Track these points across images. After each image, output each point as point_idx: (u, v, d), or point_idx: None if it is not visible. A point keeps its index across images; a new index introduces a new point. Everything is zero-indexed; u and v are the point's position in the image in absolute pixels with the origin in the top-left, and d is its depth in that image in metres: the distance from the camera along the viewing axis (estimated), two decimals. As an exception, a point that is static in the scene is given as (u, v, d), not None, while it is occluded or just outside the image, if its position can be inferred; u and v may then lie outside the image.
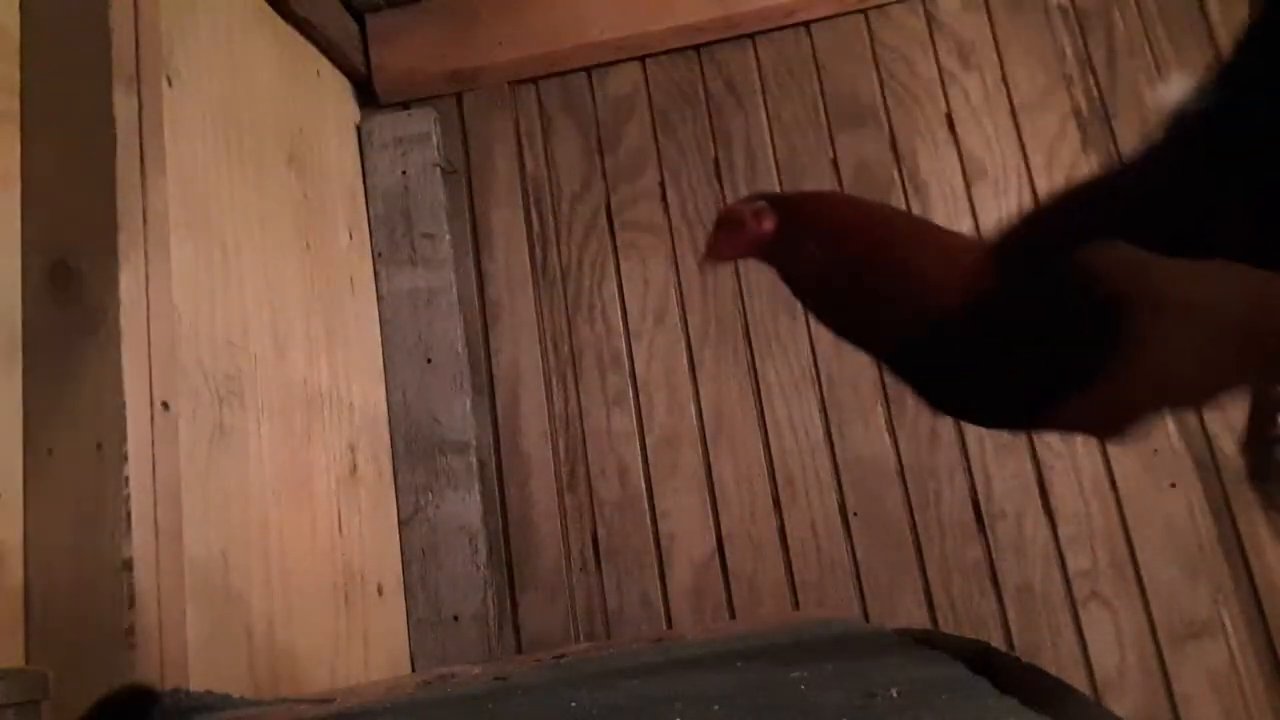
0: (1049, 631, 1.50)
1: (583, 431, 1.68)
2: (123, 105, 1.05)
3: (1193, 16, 1.69)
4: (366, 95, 1.84)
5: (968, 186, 1.69)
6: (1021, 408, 0.65)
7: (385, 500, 1.63)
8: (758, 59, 1.80)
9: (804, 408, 1.64)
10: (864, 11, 1.77)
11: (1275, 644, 1.44)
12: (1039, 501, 1.55)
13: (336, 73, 1.77)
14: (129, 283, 1.00)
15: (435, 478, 1.65)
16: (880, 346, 0.72)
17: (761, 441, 1.64)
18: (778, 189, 1.73)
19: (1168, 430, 1.54)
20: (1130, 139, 1.66)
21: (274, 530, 1.26)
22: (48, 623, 0.93)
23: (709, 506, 1.62)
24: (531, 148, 1.82)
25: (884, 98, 1.74)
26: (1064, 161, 1.67)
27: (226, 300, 1.24)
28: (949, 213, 1.68)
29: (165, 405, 1.02)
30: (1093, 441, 1.55)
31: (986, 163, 1.69)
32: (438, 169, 1.77)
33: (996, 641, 1.46)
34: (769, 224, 0.71)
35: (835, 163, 1.73)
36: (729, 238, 0.73)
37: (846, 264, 0.68)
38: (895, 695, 0.58)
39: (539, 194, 1.80)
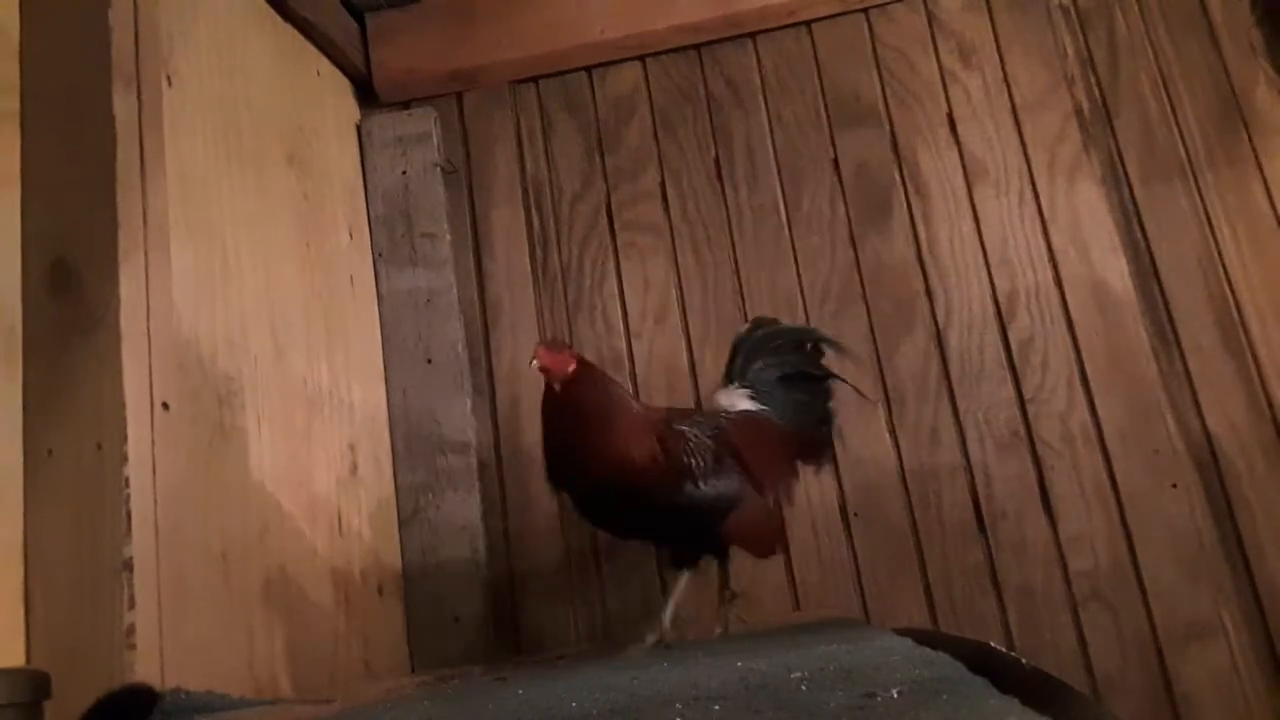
0: (1050, 632, 1.50)
1: (583, 431, 1.68)
2: (122, 105, 1.05)
3: (1194, 16, 1.69)
4: (366, 95, 1.84)
5: (969, 186, 1.68)
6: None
7: (385, 500, 1.62)
8: (758, 58, 1.79)
9: (804, 408, 1.63)
10: (865, 11, 1.77)
11: (1275, 645, 1.44)
12: (1040, 502, 1.55)
13: (336, 72, 1.77)
14: (129, 282, 1.00)
15: (435, 478, 1.65)
16: (561, 479, 1.18)
17: (762, 441, 1.63)
18: (778, 189, 1.73)
19: (1168, 431, 1.54)
20: (1131, 138, 1.66)
21: (274, 530, 1.26)
22: (48, 623, 0.93)
23: (709, 506, 1.62)
24: (531, 147, 1.82)
25: (885, 97, 1.74)
26: (1065, 161, 1.67)
27: (226, 300, 1.24)
28: (950, 212, 1.68)
29: (165, 405, 1.02)
30: (1094, 442, 1.55)
31: (988, 162, 1.69)
32: (438, 169, 1.77)
33: (997, 642, 1.46)
34: (572, 365, 1.14)
35: (836, 162, 1.73)
36: (554, 355, 1.14)
37: (592, 412, 1.13)
38: (895, 696, 0.58)
39: (539, 194, 1.80)
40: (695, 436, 1.17)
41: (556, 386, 1.14)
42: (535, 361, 1.12)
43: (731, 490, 1.17)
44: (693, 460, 1.14)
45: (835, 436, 1.38)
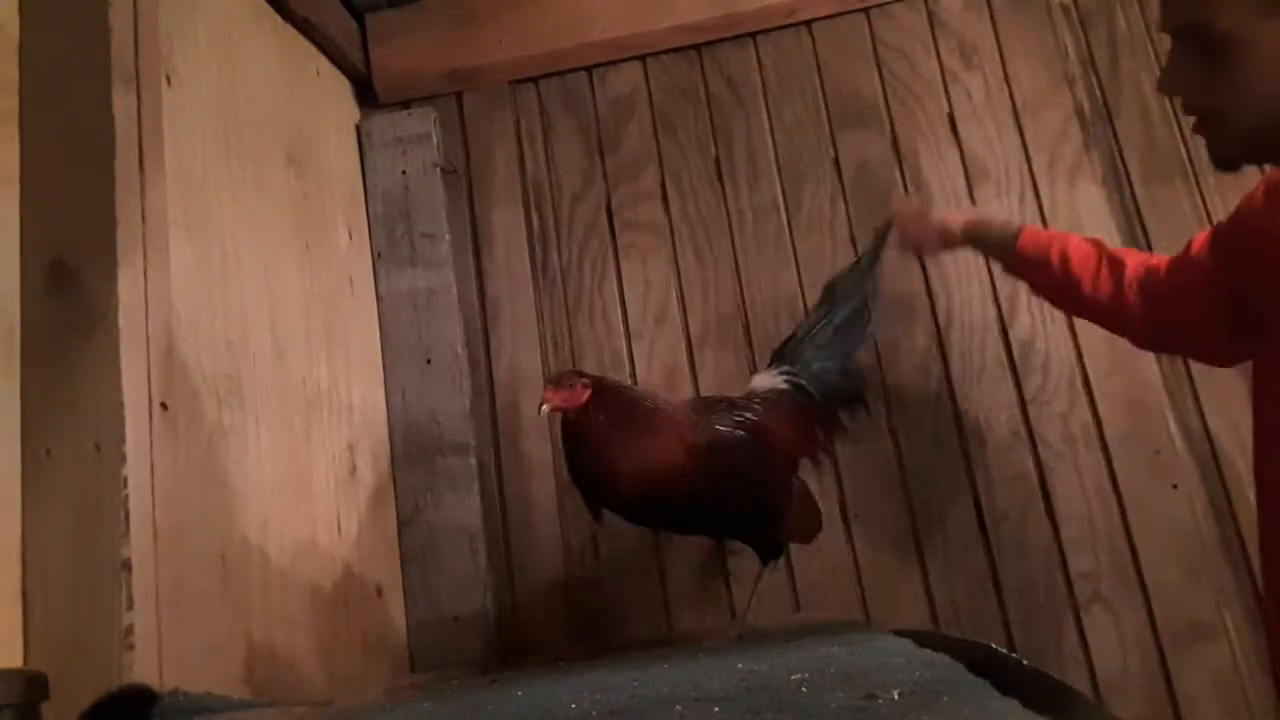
0: (1051, 633, 1.50)
1: (583, 432, 1.67)
2: (122, 104, 1.04)
3: (1195, 16, 1.68)
4: (366, 95, 1.84)
5: (969, 186, 1.68)
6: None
7: (384, 501, 1.62)
8: (759, 58, 1.79)
9: (805, 408, 1.63)
10: (865, 10, 1.77)
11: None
12: (1041, 503, 1.54)
13: (336, 72, 1.77)
14: (127, 282, 1.00)
15: (435, 478, 1.65)
16: (595, 503, 1.13)
17: (762, 442, 1.63)
18: (779, 188, 1.73)
19: (1169, 432, 1.53)
20: (1132, 138, 1.65)
21: (273, 531, 1.25)
22: (47, 623, 0.93)
23: (709, 507, 1.62)
24: (531, 147, 1.82)
25: (886, 97, 1.74)
26: (1066, 161, 1.67)
27: (225, 300, 1.23)
28: (950, 213, 1.67)
29: (164, 405, 1.02)
30: (1095, 443, 1.55)
31: (988, 162, 1.69)
32: (438, 169, 1.77)
33: (998, 643, 1.46)
34: (585, 394, 1.08)
35: (836, 162, 1.73)
36: (562, 393, 1.08)
37: (612, 433, 1.07)
38: (896, 697, 0.58)
39: (539, 194, 1.80)
40: (728, 432, 1.14)
41: (573, 416, 1.09)
42: (545, 406, 1.07)
43: (770, 480, 1.19)
44: (727, 458, 1.12)
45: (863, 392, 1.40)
